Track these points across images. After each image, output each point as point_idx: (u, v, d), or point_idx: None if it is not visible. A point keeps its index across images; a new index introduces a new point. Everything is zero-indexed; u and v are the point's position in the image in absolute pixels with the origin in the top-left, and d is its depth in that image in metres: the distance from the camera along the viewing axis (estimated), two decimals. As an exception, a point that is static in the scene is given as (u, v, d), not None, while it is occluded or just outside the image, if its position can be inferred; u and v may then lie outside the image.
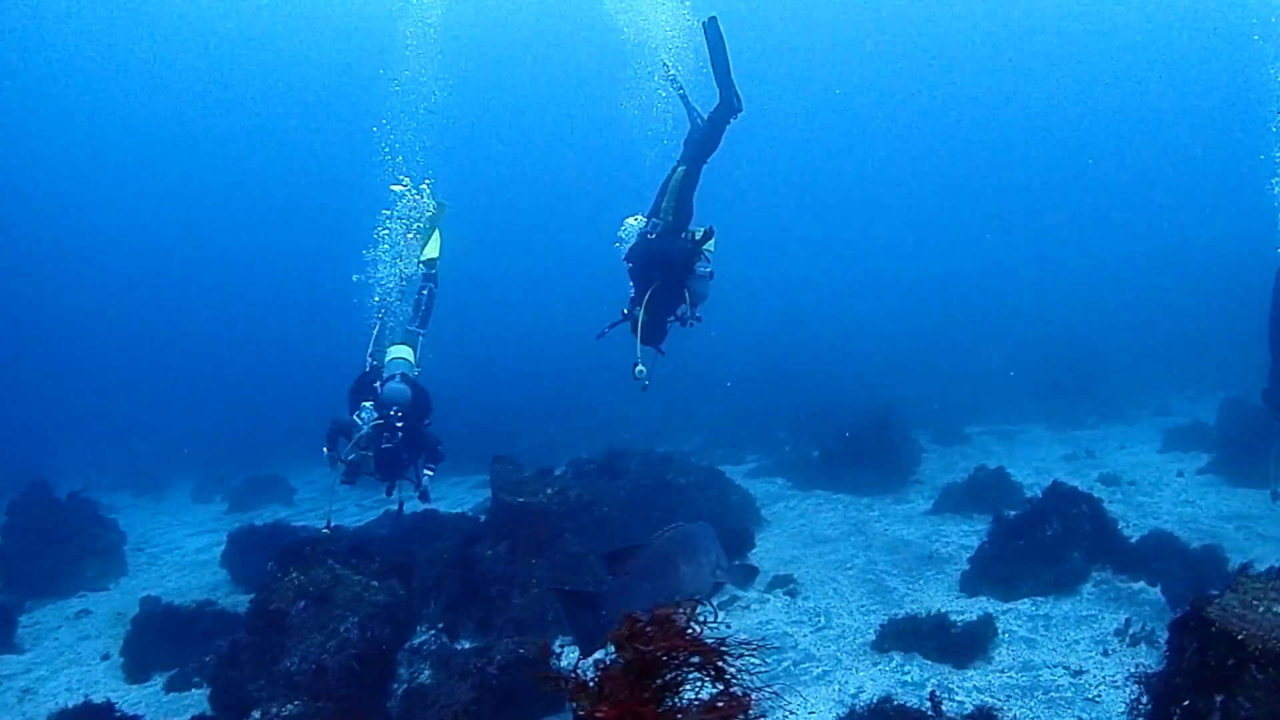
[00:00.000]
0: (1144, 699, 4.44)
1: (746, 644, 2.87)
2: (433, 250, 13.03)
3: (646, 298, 10.04)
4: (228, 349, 51.27)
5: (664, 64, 10.82)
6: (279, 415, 30.79)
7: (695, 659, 2.78)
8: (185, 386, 43.84)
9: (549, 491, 11.34)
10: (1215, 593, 4.52)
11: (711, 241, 10.27)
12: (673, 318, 10.35)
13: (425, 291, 12.92)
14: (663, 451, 15.61)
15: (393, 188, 13.13)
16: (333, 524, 11.32)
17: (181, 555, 16.96)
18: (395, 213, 13.20)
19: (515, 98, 54.77)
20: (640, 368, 9.85)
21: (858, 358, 30.07)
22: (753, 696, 2.80)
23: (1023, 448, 19.93)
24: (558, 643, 9.89)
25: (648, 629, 2.80)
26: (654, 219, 10.40)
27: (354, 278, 13.22)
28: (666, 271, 10.13)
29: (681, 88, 10.68)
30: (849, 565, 11.86)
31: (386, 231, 13.22)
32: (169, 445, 30.66)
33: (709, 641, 2.80)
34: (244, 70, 50.89)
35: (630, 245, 10.42)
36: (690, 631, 2.84)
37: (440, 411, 12.06)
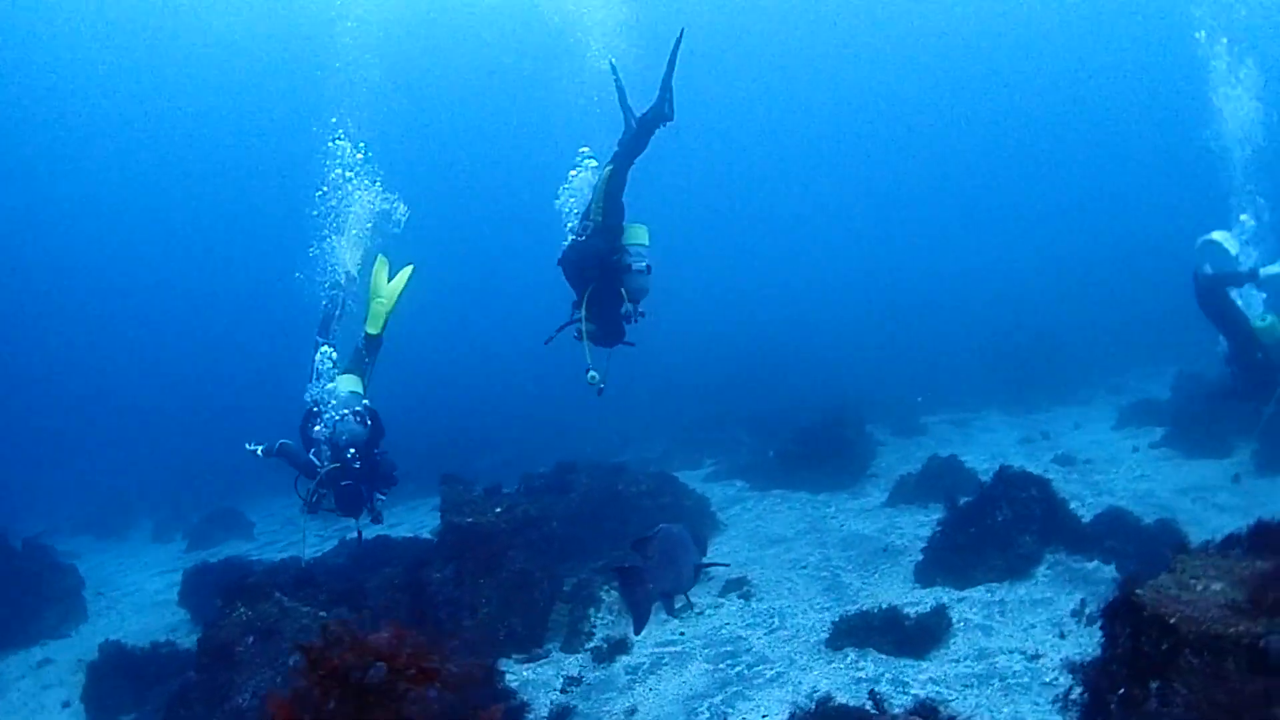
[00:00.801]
0: (1076, 690, 4.29)
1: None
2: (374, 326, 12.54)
3: (585, 301, 9.96)
4: (179, 379, 50.45)
5: (610, 64, 10.70)
6: (235, 447, 30.33)
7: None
8: (138, 421, 43.13)
9: (497, 510, 11.19)
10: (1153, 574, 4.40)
11: (645, 235, 10.19)
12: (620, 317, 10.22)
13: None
14: (615, 461, 15.47)
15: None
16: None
17: (142, 597, 16.62)
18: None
19: (455, 114, 54.38)
20: (592, 373, 9.74)
21: (815, 355, 29.93)
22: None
23: (979, 434, 19.89)
24: (506, 663, 9.77)
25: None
26: (585, 221, 10.28)
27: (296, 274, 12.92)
28: (600, 273, 10.02)
29: (621, 89, 10.56)
30: (804, 564, 11.72)
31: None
32: (126, 484, 30.15)
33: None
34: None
35: (563, 250, 10.29)
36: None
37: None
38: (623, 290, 10.03)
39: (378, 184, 13.17)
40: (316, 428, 11.27)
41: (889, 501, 14.13)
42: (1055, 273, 36.75)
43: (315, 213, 13.01)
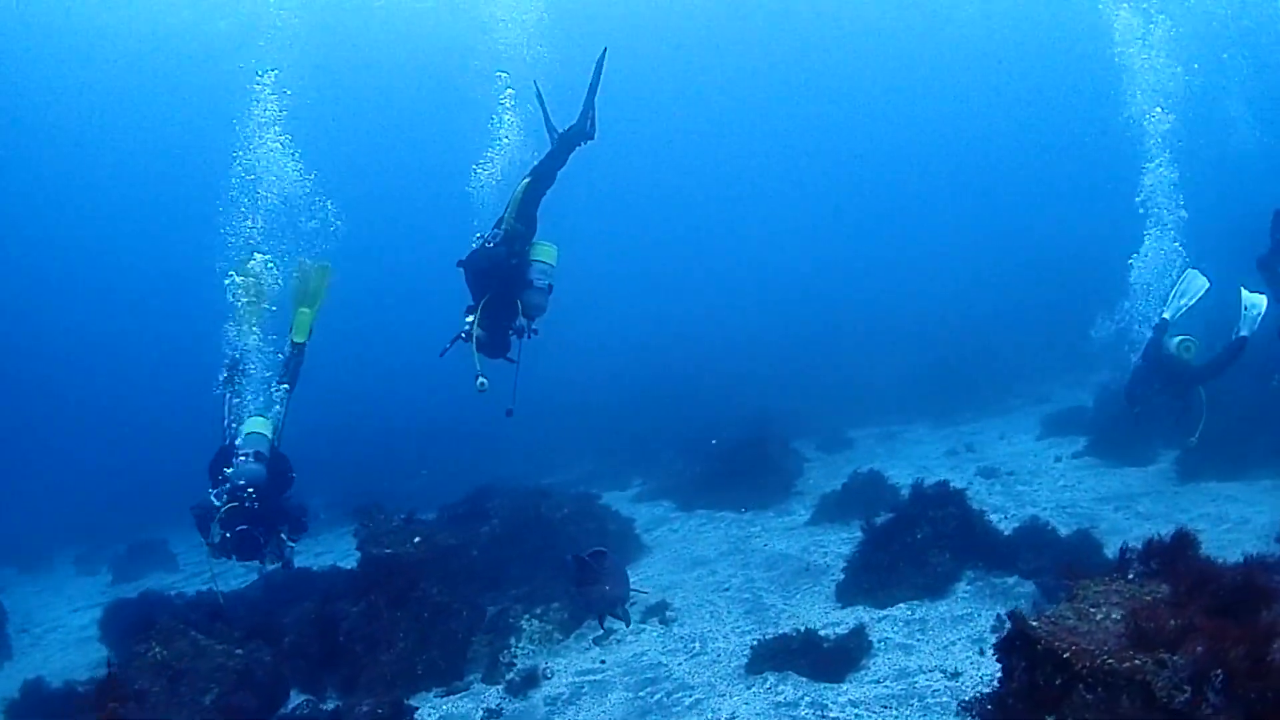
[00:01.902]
0: (973, 728, 4.18)
1: None
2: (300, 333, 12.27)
3: (480, 308, 9.91)
4: (100, 402, 49.22)
5: (535, 84, 10.71)
6: (158, 471, 29.70)
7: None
8: (57, 446, 42.14)
9: (416, 540, 10.99)
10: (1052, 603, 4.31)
11: (553, 255, 10.15)
12: (510, 330, 10.12)
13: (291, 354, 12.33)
14: (536, 485, 15.27)
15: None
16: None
17: (65, 633, 16.23)
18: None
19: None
20: (481, 379, 9.69)
21: (745, 371, 29.92)
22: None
23: (906, 447, 19.94)
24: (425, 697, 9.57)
25: None
26: (496, 229, 10.26)
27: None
28: (500, 282, 9.99)
29: (545, 109, 10.58)
30: (726, 586, 11.63)
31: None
32: (48, 514, 29.43)
33: None
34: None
35: (469, 253, 10.25)
36: None
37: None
38: (519, 303, 9.93)
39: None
40: (228, 469, 10.93)
41: (813, 519, 14.07)
42: (982, 283, 37.00)
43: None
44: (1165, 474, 14.01)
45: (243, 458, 10.71)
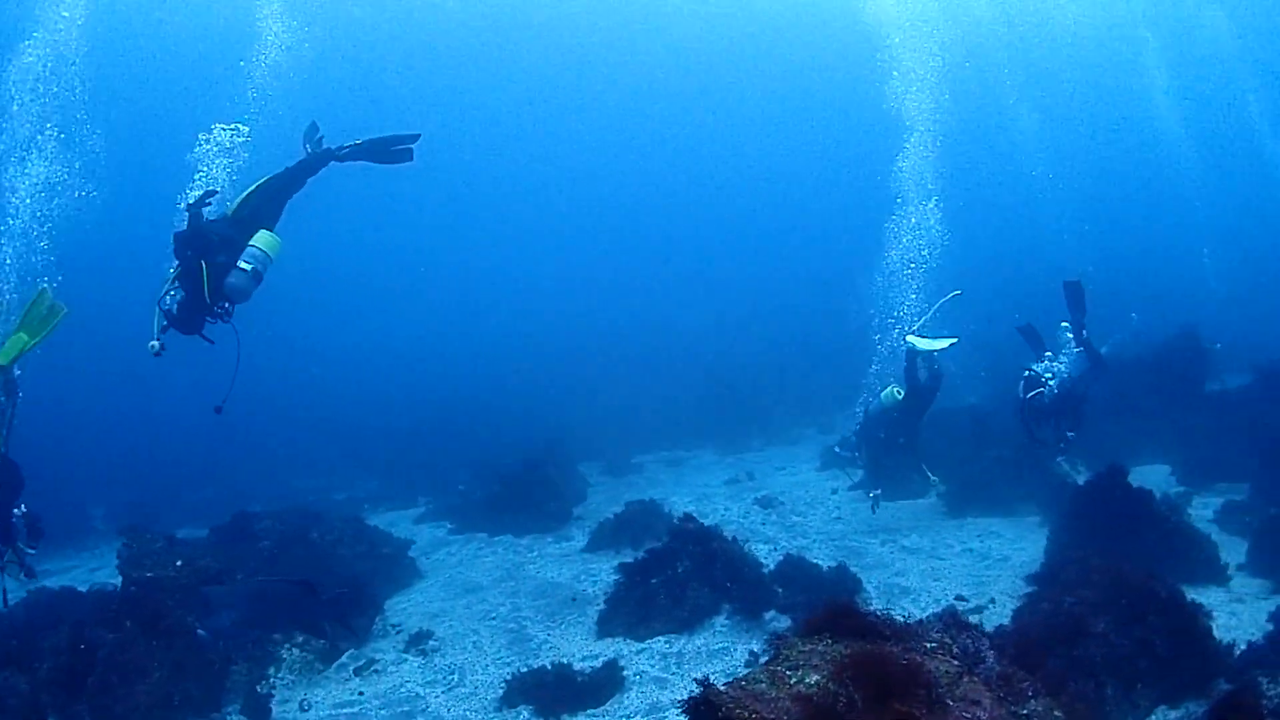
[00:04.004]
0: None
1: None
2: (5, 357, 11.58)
3: (180, 275, 9.60)
4: None
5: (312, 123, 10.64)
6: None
7: None
8: None
9: (178, 563, 10.58)
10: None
11: (273, 246, 9.86)
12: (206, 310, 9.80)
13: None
14: (307, 505, 14.93)
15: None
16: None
17: None
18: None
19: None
20: (153, 342, 9.41)
21: (540, 391, 29.79)
22: None
23: (690, 473, 20.18)
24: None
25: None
26: (223, 206, 10.10)
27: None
28: (196, 253, 9.59)
29: (311, 132, 10.55)
30: (493, 615, 11.55)
31: None
32: None
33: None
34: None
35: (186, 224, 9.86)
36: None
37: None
38: (220, 283, 9.60)
39: None
40: None
41: (588, 546, 14.09)
42: (771, 310, 37.71)
43: None
44: (935, 508, 14.52)
45: None
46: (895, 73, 19.82)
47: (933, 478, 14.09)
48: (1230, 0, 38.28)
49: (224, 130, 10.74)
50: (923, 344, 13.29)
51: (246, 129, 10.64)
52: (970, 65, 33.31)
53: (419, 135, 10.54)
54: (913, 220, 16.41)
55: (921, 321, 14.03)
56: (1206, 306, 25.83)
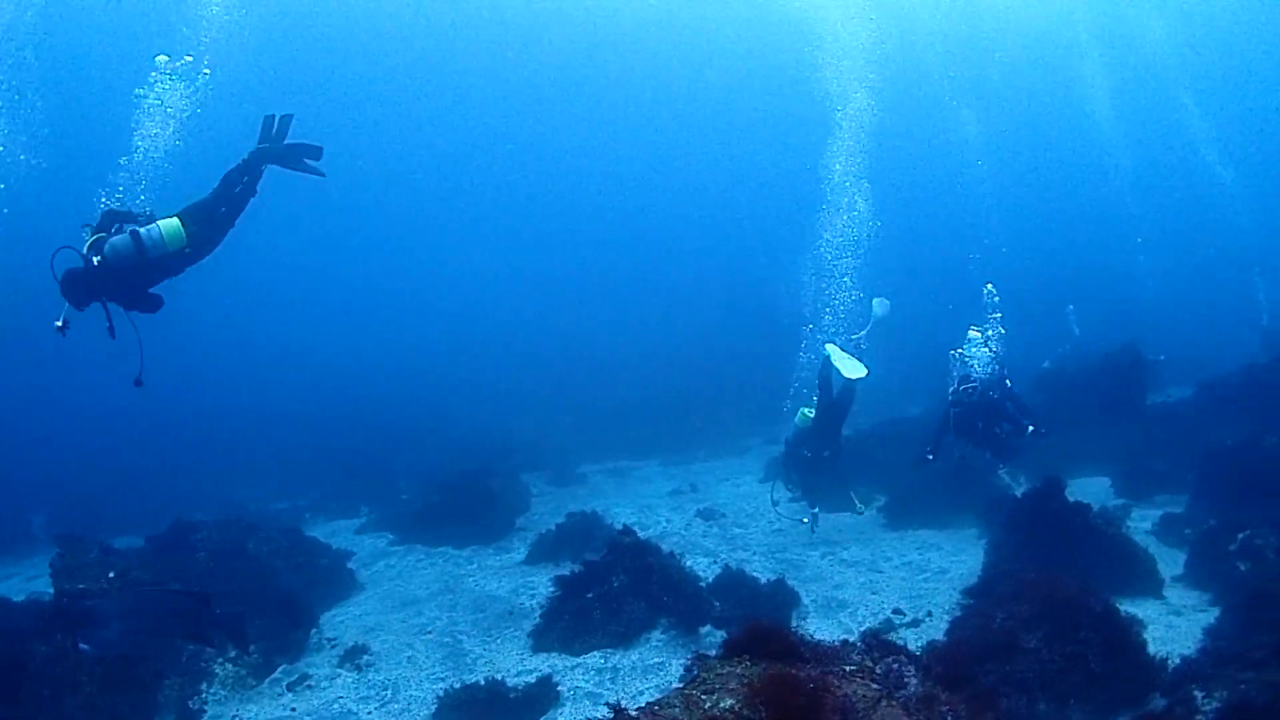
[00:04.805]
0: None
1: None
2: None
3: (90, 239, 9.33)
4: None
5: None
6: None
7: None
8: None
9: (110, 575, 10.38)
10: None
11: (173, 230, 9.47)
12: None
13: None
14: (243, 516, 14.70)
15: None
16: None
17: None
18: None
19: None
20: (58, 322, 9.07)
21: (489, 400, 29.67)
22: None
23: (634, 485, 20.10)
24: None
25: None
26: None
27: None
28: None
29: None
30: (430, 629, 11.43)
31: None
32: None
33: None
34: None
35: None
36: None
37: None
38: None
39: None
40: None
41: (528, 558, 13.99)
42: (716, 320, 37.70)
43: None
44: (875, 520, 14.54)
45: None
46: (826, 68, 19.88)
47: (860, 505, 14.20)
48: (1168, 6, 38.93)
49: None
50: (837, 357, 13.25)
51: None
52: (907, 60, 33.46)
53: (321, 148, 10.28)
54: (843, 217, 16.46)
55: (862, 334, 14.06)
56: (1139, 305, 26.14)
